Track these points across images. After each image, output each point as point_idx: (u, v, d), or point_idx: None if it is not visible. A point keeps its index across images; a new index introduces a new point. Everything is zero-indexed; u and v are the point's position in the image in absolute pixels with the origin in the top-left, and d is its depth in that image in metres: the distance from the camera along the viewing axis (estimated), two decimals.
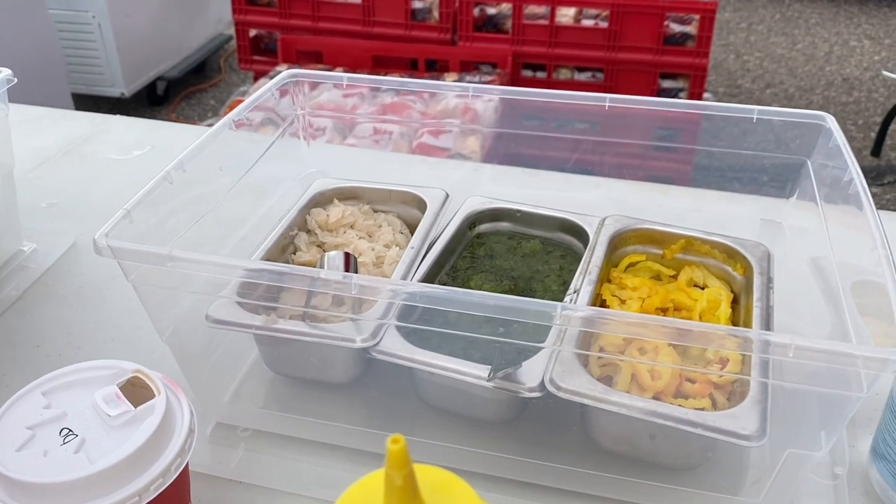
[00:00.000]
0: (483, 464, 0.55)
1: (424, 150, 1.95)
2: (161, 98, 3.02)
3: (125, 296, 0.74)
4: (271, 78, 2.44)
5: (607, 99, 0.65)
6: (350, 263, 0.58)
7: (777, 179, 0.66)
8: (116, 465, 0.40)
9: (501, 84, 2.28)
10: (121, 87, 2.80)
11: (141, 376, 0.46)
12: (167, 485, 0.42)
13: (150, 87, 2.96)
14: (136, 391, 0.45)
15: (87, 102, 2.78)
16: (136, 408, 0.44)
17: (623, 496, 0.53)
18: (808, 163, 0.62)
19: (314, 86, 0.75)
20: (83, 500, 0.40)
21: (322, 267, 0.58)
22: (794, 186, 0.65)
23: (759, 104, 3.29)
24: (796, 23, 3.76)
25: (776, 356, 0.42)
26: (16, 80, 0.71)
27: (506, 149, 0.89)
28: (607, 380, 0.53)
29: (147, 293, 0.52)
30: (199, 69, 3.19)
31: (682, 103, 0.67)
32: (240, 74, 3.20)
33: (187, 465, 0.44)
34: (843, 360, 0.40)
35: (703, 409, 0.51)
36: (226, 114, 2.26)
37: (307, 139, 0.76)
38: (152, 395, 0.45)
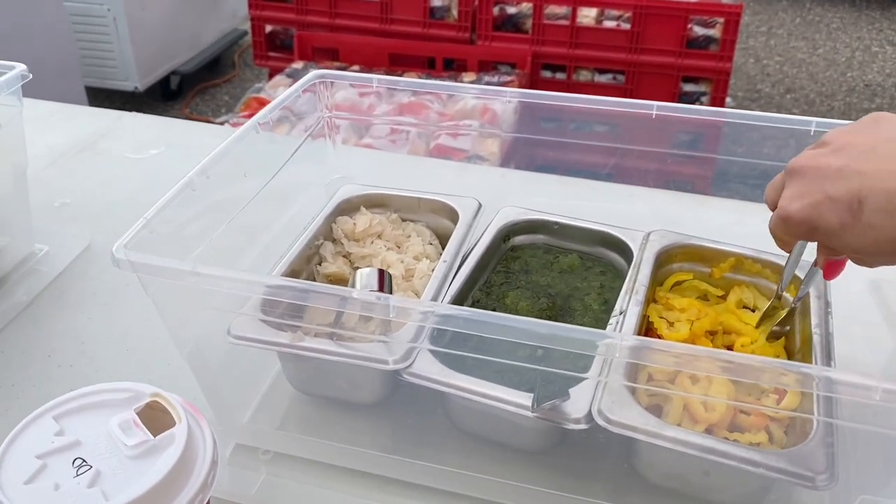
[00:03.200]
0: (517, 496, 0.52)
1: (442, 152, 1.92)
2: (175, 93, 2.99)
3: (141, 302, 0.70)
4: (288, 75, 2.42)
5: (654, 107, 0.62)
6: (384, 282, 0.55)
7: None
8: (134, 502, 0.37)
9: (520, 84, 2.24)
10: (134, 82, 2.78)
11: (160, 400, 0.42)
12: None
13: (164, 82, 2.94)
14: (154, 415, 0.42)
15: (101, 96, 2.75)
16: (154, 436, 0.40)
17: None
18: None
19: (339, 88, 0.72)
20: None
21: (354, 285, 0.55)
22: None
23: (779, 110, 3.24)
24: (817, 27, 3.71)
25: (858, 398, 0.38)
26: (31, 76, 0.68)
27: (525, 151, 0.86)
28: (656, 409, 0.49)
29: (167, 308, 0.49)
30: (213, 64, 3.16)
31: (736, 113, 0.63)
32: (254, 70, 3.18)
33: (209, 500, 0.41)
34: None
35: (759, 444, 0.47)
36: (243, 110, 2.23)
37: (333, 141, 0.72)
38: (172, 422, 0.41)
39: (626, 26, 2.21)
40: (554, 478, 0.52)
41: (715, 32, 2.22)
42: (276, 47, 2.60)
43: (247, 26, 2.99)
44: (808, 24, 3.74)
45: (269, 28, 2.56)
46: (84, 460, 0.39)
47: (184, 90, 3.03)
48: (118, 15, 2.63)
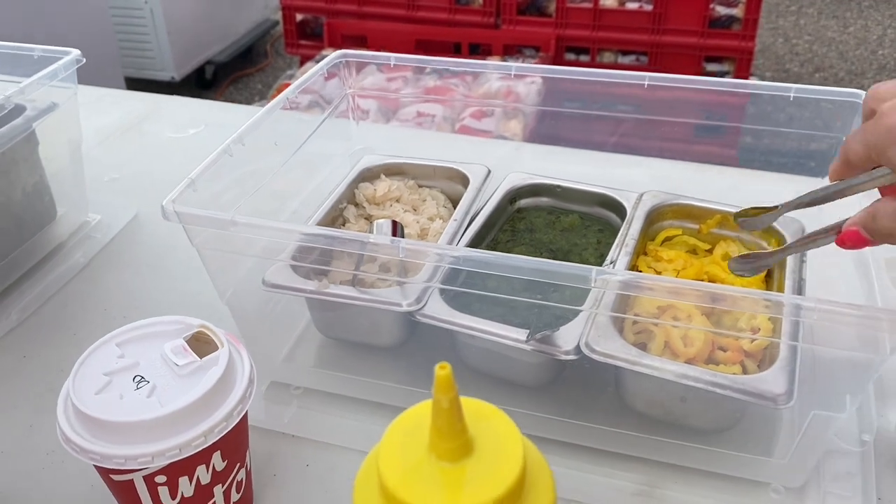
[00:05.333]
0: (521, 424, 0.58)
1: (467, 133, 1.98)
2: (209, 82, 3.09)
3: (185, 264, 0.78)
4: (317, 62, 2.49)
5: (647, 77, 0.67)
6: (397, 230, 0.61)
7: (816, 158, 0.67)
8: (185, 409, 0.44)
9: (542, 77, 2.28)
10: (171, 72, 2.88)
11: (205, 331, 0.49)
12: (230, 428, 0.46)
13: (199, 72, 3.03)
14: (200, 345, 0.49)
15: (138, 86, 2.86)
16: (201, 359, 0.48)
17: (655, 456, 0.55)
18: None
19: (360, 68, 0.78)
20: (156, 438, 0.44)
21: (372, 233, 0.62)
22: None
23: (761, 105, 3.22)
24: (848, 5, 3.67)
25: (805, 318, 0.44)
26: (84, 60, 0.76)
27: (548, 131, 0.91)
28: (641, 346, 0.55)
29: (209, 257, 0.56)
30: (245, 54, 3.25)
31: (720, 81, 0.68)
32: (285, 59, 3.26)
33: (246, 413, 0.48)
34: (868, 322, 0.42)
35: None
36: (274, 96, 2.31)
37: (356, 118, 0.79)
38: (216, 349, 0.49)
39: (649, 7, 2.24)
40: (554, 407, 0.58)
41: (737, 12, 2.24)
42: (306, 35, 2.67)
43: (278, 16, 3.07)
44: (839, 3, 3.70)
45: (299, 17, 2.63)
46: (142, 377, 0.47)
47: (218, 79, 3.13)
48: (155, 7, 2.73)
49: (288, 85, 2.31)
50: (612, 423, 0.57)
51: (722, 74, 2.31)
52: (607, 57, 2.37)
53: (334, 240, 0.52)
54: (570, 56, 2.38)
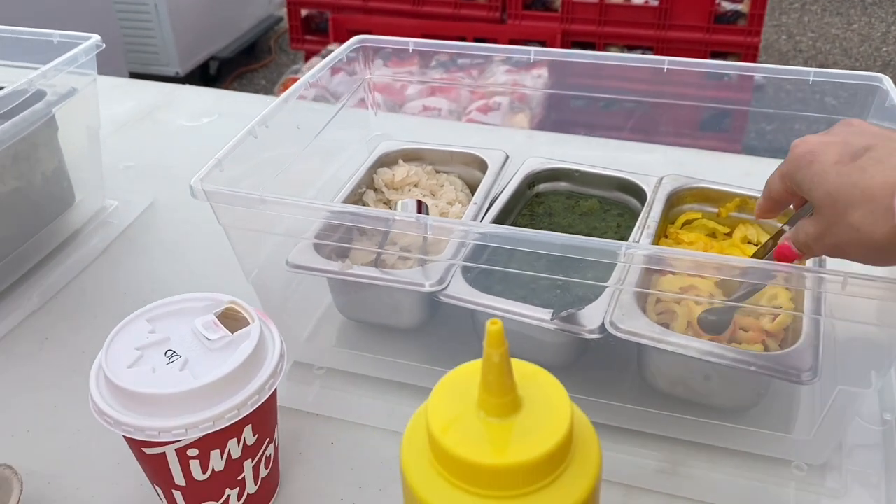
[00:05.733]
0: None
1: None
2: (213, 78, 3.09)
3: (202, 251, 0.79)
4: (323, 57, 2.49)
5: (665, 62, 0.68)
6: (422, 209, 0.62)
7: None
8: (218, 382, 0.45)
9: (550, 62, 2.29)
10: (175, 67, 2.88)
11: (235, 307, 0.50)
12: (262, 401, 0.46)
13: (203, 67, 3.04)
14: (229, 322, 0.50)
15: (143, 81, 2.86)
16: (232, 334, 0.48)
17: (678, 434, 0.56)
18: None
19: (378, 55, 0.78)
20: (190, 410, 0.44)
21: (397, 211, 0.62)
22: None
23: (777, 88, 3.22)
24: (852, 2, 3.67)
25: (830, 291, 0.44)
26: (104, 45, 0.77)
27: (555, 125, 0.92)
28: (664, 326, 0.56)
29: (237, 235, 0.56)
30: (249, 50, 3.25)
31: (735, 65, 0.69)
32: (289, 55, 3.26)
33: (276, 388, 0.48)
34: (892, 295, 0.42)
35: None
36: (280, 91, 2.32)
37: (374, 105, 0.79)
38: (245, 325, 0.49)
39: (655, 3, 2.25)
40: (577, 386, 0.58)
41: (743, 7, 2.24)
42: (311, 31, 2.68)
43: (282, 12, 3.07)
44: (842, 0, 3.71)
45: (304, 12, 2.64)
46: (174, 351, 0.47)
47: (222, 75, 3.13)
48: (160, 2, 2.73)
49: (295, 80, 2.31)
50: (635, 401, 0.57)
51: None
52: (613, 52, 2.37)
53: (362, 217, 0.52)
54: (576, 51, 2.39)
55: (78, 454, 0.58)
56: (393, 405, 0.60)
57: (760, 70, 0.66)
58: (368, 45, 0.77)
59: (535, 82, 1.06)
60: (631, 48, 2.37)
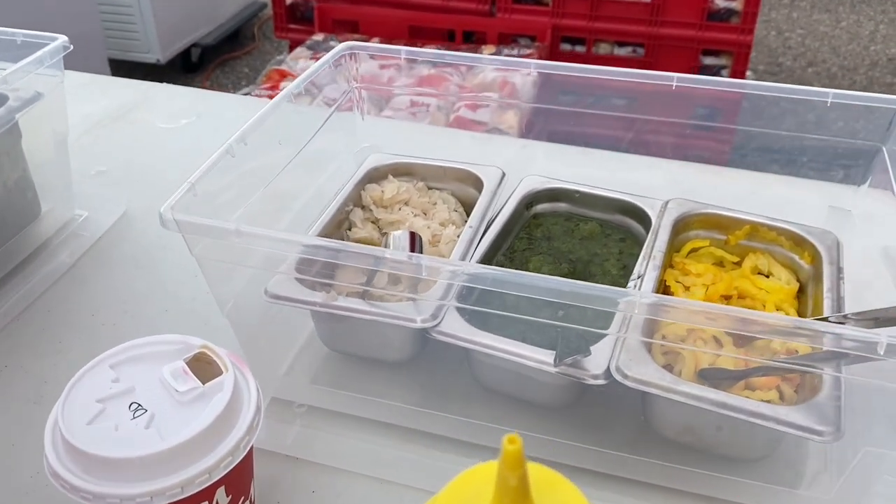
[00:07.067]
0: (538, 448, 0.54)
1: (462, 124, 1.94)
2: (195, 65, 3.02)
3: (178, 266, 0.74)
4: (308, 47, 2.43)
5: (675, 79, 0.63)
6: (415, 243, 0.57)
7: (847, 166, 0.64)
8: (188, 442, 0.40)
9: (540, 57, 2.24)
10: (156, 54, 2.80)
11: (207, 352, 0.45)
12: (236, 462, 0.42)
13: (185, 55, 2.96)
14: (201, 367, 0.45)
15: (123, 68, 2.78)
16: (203, 384, 0.44)
17: (682, 486, 0.52)
18: (884, 150, 0.60)
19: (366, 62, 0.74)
20: (156, 475, 0.40)
21: (387, 246, 0.58)
22: (867, 173, 0.63)
23: (800, 83, 3.22)
24: (840, 0, 3.65)
25: (846, 349, 0.40)
26: (72, 47, 0.71)
27: (543, 124, 0.88)
28: (669, 368, 0.52)
29: (210, 267, 0.52)
30: (232, 37, 3.18)
31: (748, 84, 0.65)
32: (273, 43, 3.19)
33: (252, 446, 0.44)
34: None
35: (770, 402, 0.50)
36: (264, 83, 2.25)
37: (361, 113, 0.75)
38: (218, 372, 0.45)
39: None
40: (573, 432, 0.55)
41: (736, 5, 2.20)
42: (296, 19, 2.61)
43: None
44: None
45: (289, 0, 2.56)
46: (139, 404, 0.43)
47: (204, 63, 3.06)
48: None
49: (279, 71, 2.24)
50: (637, 449, 0.53)
51: (719, 68, 2.28)
52: (603, 48, 2.33)
53: (351, 254, 0.48)
54: (566, 46, 2.34)
55: (37, 501, 0.53)
56: (380, 448, 0.56)
57: (777, 90, 0.62)
58: (357, 51, 0.72)
59: (525, 80, 1.01)
60: (621, 44, 2.32)
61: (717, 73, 2.26)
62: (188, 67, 3.01)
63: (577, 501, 0.27)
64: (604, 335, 0.51)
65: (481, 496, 0.26)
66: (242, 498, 0.45)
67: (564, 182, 0.69)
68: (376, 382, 0.59)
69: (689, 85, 0.65)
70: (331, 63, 0.70)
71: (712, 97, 0.66)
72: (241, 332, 0.56)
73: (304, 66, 2.24)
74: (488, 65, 0.71)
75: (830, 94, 0.60)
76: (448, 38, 2.36)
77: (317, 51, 2.32)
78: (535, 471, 0.27)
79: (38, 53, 0.69)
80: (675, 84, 0.63)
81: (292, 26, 2.59)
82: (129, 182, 0.87)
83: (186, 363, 0.45)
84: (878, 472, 0.46)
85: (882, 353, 0.38)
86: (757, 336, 0.44)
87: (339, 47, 0.71)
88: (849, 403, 0.47)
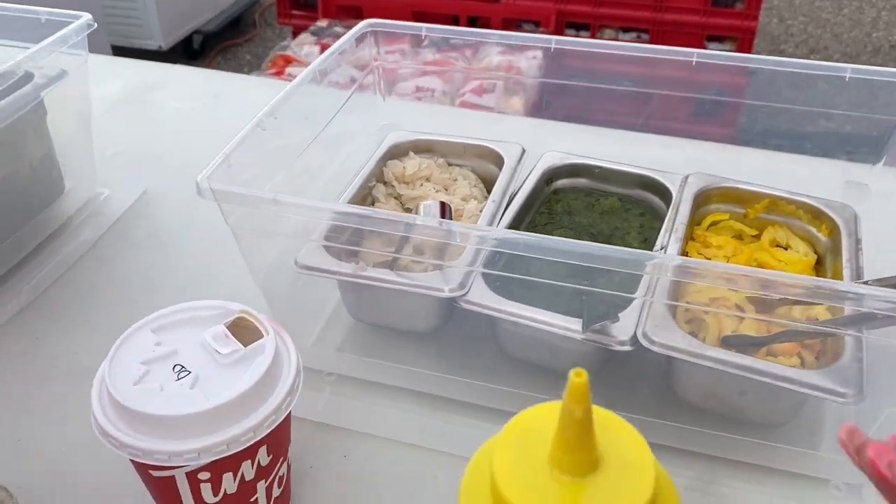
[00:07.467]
0: None
1: (468, 108, 1.94)
2: (197, 52, 3.01)
3: (197, 242, 0.75)
4: (312, 33, 2.42)
5: (695, 54, 0.64)
6: (445, 212, 0.58)
7: (864, 143, 0.65)
8: (232, 402, 0.41)
9: (544, 52, 2.24)
10: (158, 41, 2.80)
11: (247, 317, 0.46)
12: (279, 421, 0.43)
13: (187, 41, 2.96)
14: (240, 332, 0.46)
15: (125, 55, 2.77)
16: (245, 346, 0.45)
17: (710, 450, 0.53)
18: None
19: (387, 40, 0.74)
20: (202, 433, 0.41)
21: (419, 214, 0.59)
22: (883, 149, 0.64)
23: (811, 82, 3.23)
24: None
25: (891, 312, 0.41)
26: (96, 25, 0.72)
27: (549, 107, 0.89)
28: (693, 335, 0.53)
29: (244, 237, 0.53)
30: (234, 24, 3.17)
31: (765, 59, 0.66)
32: (275, 29, 3.18)
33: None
34: None
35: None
36: (269, 68, 2.24)
37: (382, 92, 0.76)
38: (258, 336, 0.46)
39: None
40: (597, 398, 0.56)
41: None
42: (299, 5, 2.61)
43: None
44: None
45: None
46: (183, 366, 0.44)
47: (206, 49, 3.05)
48: None
49: (284, 57, 2.24)
50: (662, 414, 0.54)
51: None
52: (608, 34, 2.33)
53: (382, 221, 0.49)
54: (571, 32, 2.34)
55: (73, 468, 0.54)
56: (408, 415, 0.57)
57: (794, 65, 0.63)
58: (378, 29, 0.73)
59: (530, 63, 1.02)
60: (626, 30, 2.33)
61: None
62: (190, 54, 3.00)
63: (636, 440, 0.28)
64: (630, 302, 0.52)
65: (543, 433, 0.27)
66: (282, 459, 0.47)
67: (584, 157, 0.70)
68: (403, 352, 0.60)
69: (706, 61, 0.66)
70: (353, 41, 0.70)
71: (724, 72, 0.67)
72: (273, 301, 0.57)
73: (308, 51, 2.24)
74: (508, 40, 0.71)
75: (848, 70, 0.61)
76: (452, 23, 2.36)
77: (321, 36, 2.32)
78: (597, 412, 0.28)
79: (63, 32, 0.69)
80: (695, 60, 0.64)
81: (295, 12, 2.59)
82: (148, 162, 0.88)
83: (227, 327, 0.46)
84: None
85: None
86: (781, 297, 0.45)
87: (361, 25, 0.72)
88: (871, 367, 0.48)
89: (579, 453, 0.27)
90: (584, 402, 0.26)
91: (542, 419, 0.28)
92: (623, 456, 0.28)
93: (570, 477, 0.27)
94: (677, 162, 0.72)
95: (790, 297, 0.46)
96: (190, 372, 0.43)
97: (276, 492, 0.47)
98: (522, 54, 0.90)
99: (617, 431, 0.29)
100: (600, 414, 0.29)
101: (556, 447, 0.27)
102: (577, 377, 0.26)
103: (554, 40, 0.69)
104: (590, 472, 0.27)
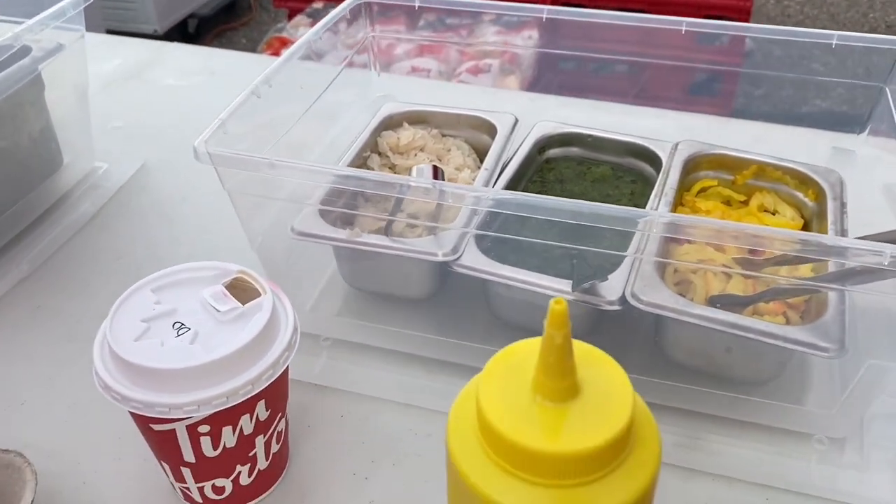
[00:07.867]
0: None
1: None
2: (192, 36, 3.01)
3: (195, 214, 0.76)
4: (308, 15, 2.42)
5: (684, 23, 0.65)
6: (438, 175, 0.60)
7: (851, 106, 0.66)
8: (231, 356, 0.42)
9: (539, 26, 2.25)
10: (153, 24, 2.80)
11: (245, 277, 0.47)
12: (276, 376, 0.44)
13: (182, 25, 2.96)
14: (238, 292, 0.47)
15: None
16: (243, 305, 0.46)
17: (696, 407, 0.55)
18: (887, 90, 0.62)
19: (382, 12, 0.75)
20: (202, 386, 0.42)
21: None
22: (870, 114, 0.65)
23: (799, 50, 3.21)
24: None
25: (853, 262, 0.43)
26: None
27: (544, 87, 0.90)
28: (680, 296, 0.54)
29: (241, 201, 0.54)
30: (230, 7, 3.17)
31: (750, 27, 0.67)
32: (270, 13, 3.18)
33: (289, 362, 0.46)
34: None
35: None
36: (266, 50, 2.25)
37: (376, 65, 0.76)
38: (255, 295, 0.47)
39: None
40: None
41: None
42: None
43: None
44: None
45: None
46: (182, 324, 0.45)
47: (201, 33, 3.05)
48: None
49: (280, 38, 2.24)
50: (651, 373, 0.56)
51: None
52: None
53: (377, 183, 0.50)
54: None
55: (77, 427, 0.56)
56: (402, 377, 0.59)
57: (781, 33, 0.64)
58: (372, 1, 0.73)
59: (525, 43, 1.03)
60: (622, 10, 2.33)
61: (717, 38, 2.26)
62: (185, 38, 3.00)
63: (616, 371, 0.29)
64: (620, 262, 0.53)
65: (526, 363, 0.28)
66: (280, 415, 0.48)
67: (576, 127, 0.71)
68: (398, 317, 0.62)
69: (697, 30, 0.66)
70: (346, 12, 0.71)
71: (718, 53, 0.68)
72: (269, 267, 0.58)
73: (304, 33, 2.24)
74: (502, 10, 0.72)
75: (835, 36, 0.62)
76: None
77: (316, 18, 2.32)
78: (580, 346, 0.29)
79: (60, 5, 0.70)
80: (684, 29, 0.65)
81: None
82: (146, 137, 0.89)
83: (225, 287, 0.47)
84: (880, 386, 0.49)
85: (886, 263, 0.41)
86: (767, 256, 0.46)
87: None
88: (853, 323, 0.49)
89: (560, 379, 0.28)
90: (563, 327, 0.27)
91: (525, 352, 0.29)
92: (603, 385, 0.29)
93: (551, 402, 0.28)
94: (669, 133, 0.73)
95: (777, 252, 0.47)
96: (189, 329, 0.44)
97: (274, 447, 0.49)
98: (518, 34, 0.91)
99: (598, 363, 0.30)
100: (583, 347, 0.30)
101: (538, 372, 0.28)
102: (557, 304, 0.27)
103: (546, 10, 0.70)
104: (570, 397, 0.28)
